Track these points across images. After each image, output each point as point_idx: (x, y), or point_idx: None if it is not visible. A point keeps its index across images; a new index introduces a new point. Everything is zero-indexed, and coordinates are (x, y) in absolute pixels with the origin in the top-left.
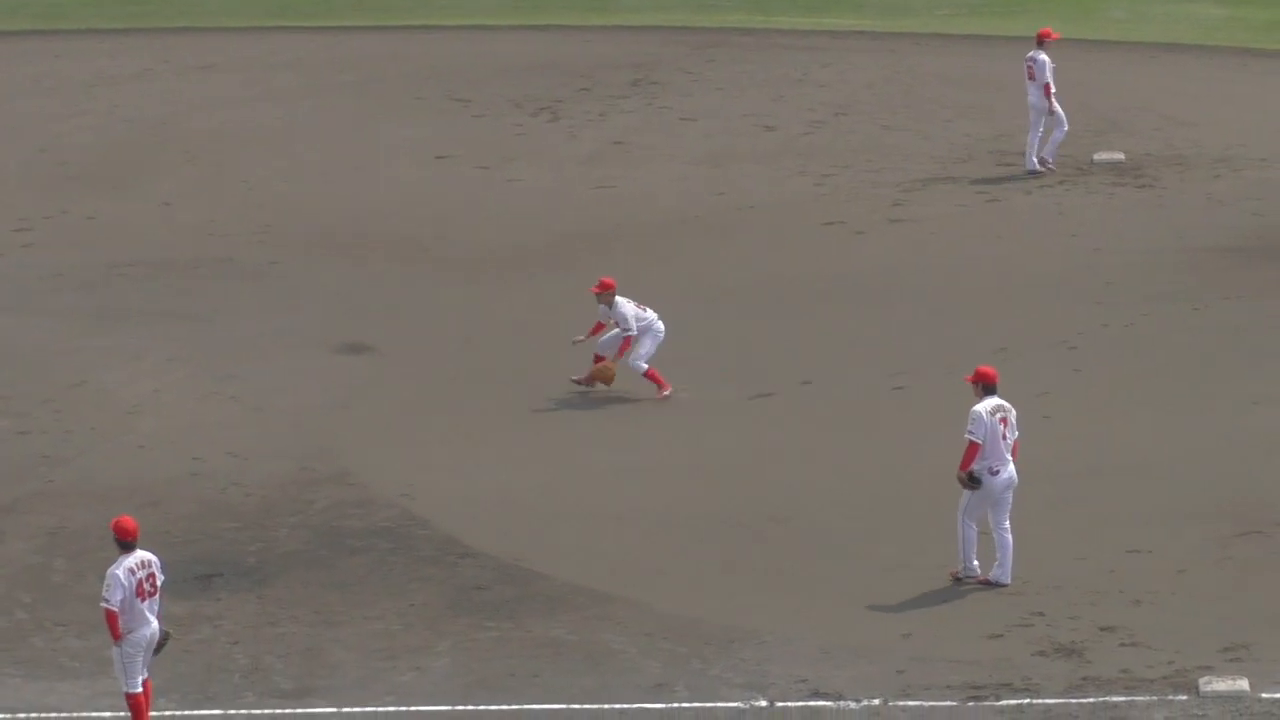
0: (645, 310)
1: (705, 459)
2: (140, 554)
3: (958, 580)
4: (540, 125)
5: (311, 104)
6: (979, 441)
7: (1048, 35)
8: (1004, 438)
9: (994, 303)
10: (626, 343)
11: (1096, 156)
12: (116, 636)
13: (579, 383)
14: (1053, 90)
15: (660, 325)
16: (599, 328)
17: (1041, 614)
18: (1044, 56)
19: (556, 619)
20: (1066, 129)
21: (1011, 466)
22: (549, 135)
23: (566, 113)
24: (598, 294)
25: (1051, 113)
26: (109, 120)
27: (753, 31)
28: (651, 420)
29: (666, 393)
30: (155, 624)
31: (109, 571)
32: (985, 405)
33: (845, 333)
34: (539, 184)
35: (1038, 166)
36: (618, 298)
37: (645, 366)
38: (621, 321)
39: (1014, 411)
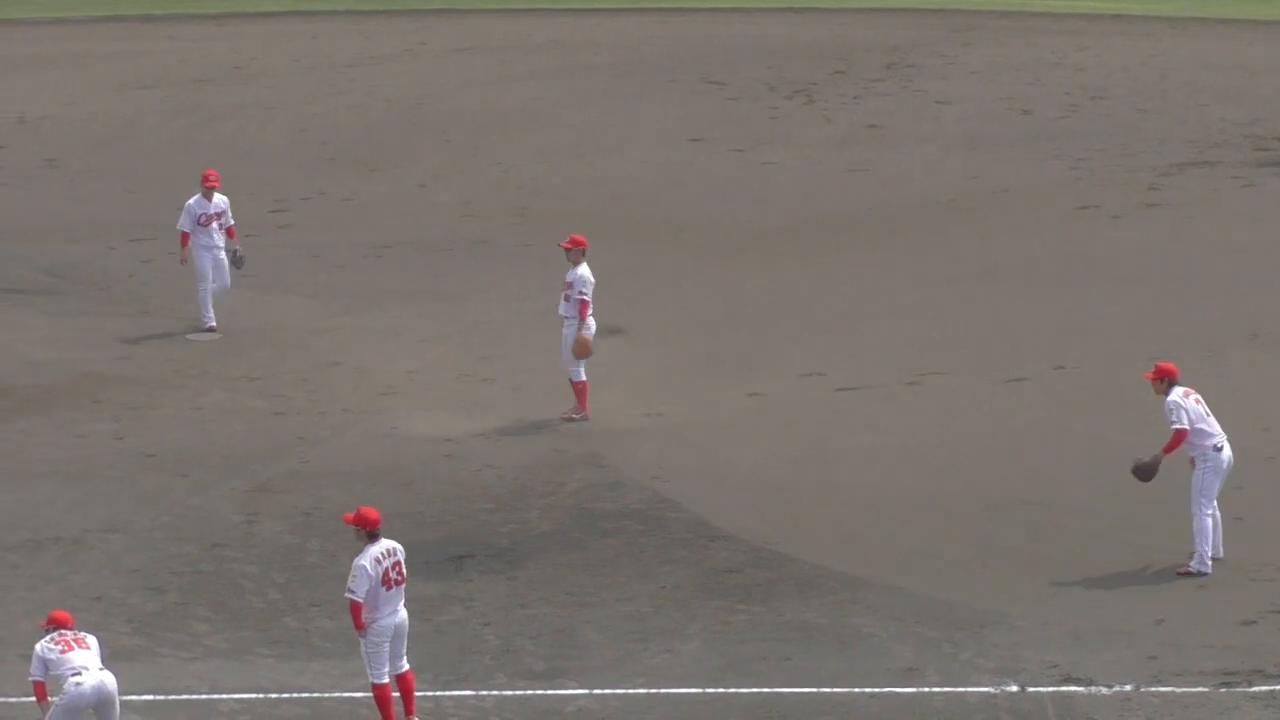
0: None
1: (957, 442)
2: (386, 543)
3: (1188, 575)
4: (795, 108)
5: (567, 86)
6: (1186, 427)
7: None
8: (1208, 414)
9: (1249, 287)
10: (585, 307)
11: None
12: (360, 627)
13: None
14: None
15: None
16: (585, 307)
17: None
18: None
19: (807, 602)
20: None
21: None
22: (803, 118)
23: (821, 95)
24: (568, 249)
25: None
26: (367, 101)
27: (1009, 14)
28: (903, 403)
29: (578, 417)
30: (402, 613)
31: (355, 563)
32: (1177, 392)
33: (1099, 317)
34: (793, 167)
35: None
36: (585, 263)
37: (583, 378)
38: (579, 284)
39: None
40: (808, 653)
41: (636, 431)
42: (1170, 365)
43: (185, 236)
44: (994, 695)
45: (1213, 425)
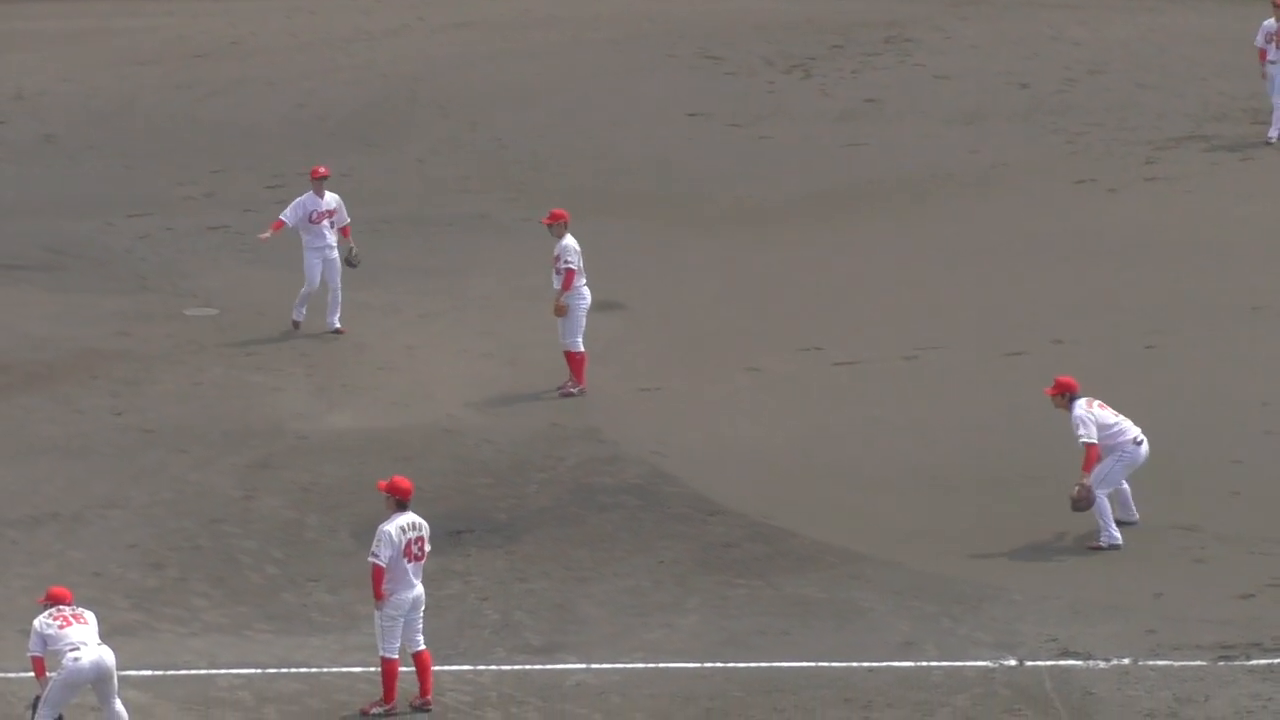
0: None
1: (956, 416)
2: (412, 516)
3: (1097, 550)
4: (793, 82)
5: (565, 61)
6: (1094, 441)
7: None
8: (1118, 416)
9: (1248, 261)
10: (569, 276)
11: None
12: (379, 596)
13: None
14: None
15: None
16: (570, 276)
17: None
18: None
19: (806, 577)
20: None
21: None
22: (801, 93)
23: (819, 70)
24: (549, 225)
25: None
26: (365, 76)
27: None
28: (902, 377)
29: (575, 390)
30: (419, 588)
31: (380, 528)
32: (1080, 405)
33: (1097, 291)
34: (791, 142)
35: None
36: (569, 234)
37: (581, 348)
38: (564, 253)
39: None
40: (806, 627)
41: (635, 406)
42: (1069, 379)
43: (279, 224)
44: (992, 669)
45: (1126, 423)
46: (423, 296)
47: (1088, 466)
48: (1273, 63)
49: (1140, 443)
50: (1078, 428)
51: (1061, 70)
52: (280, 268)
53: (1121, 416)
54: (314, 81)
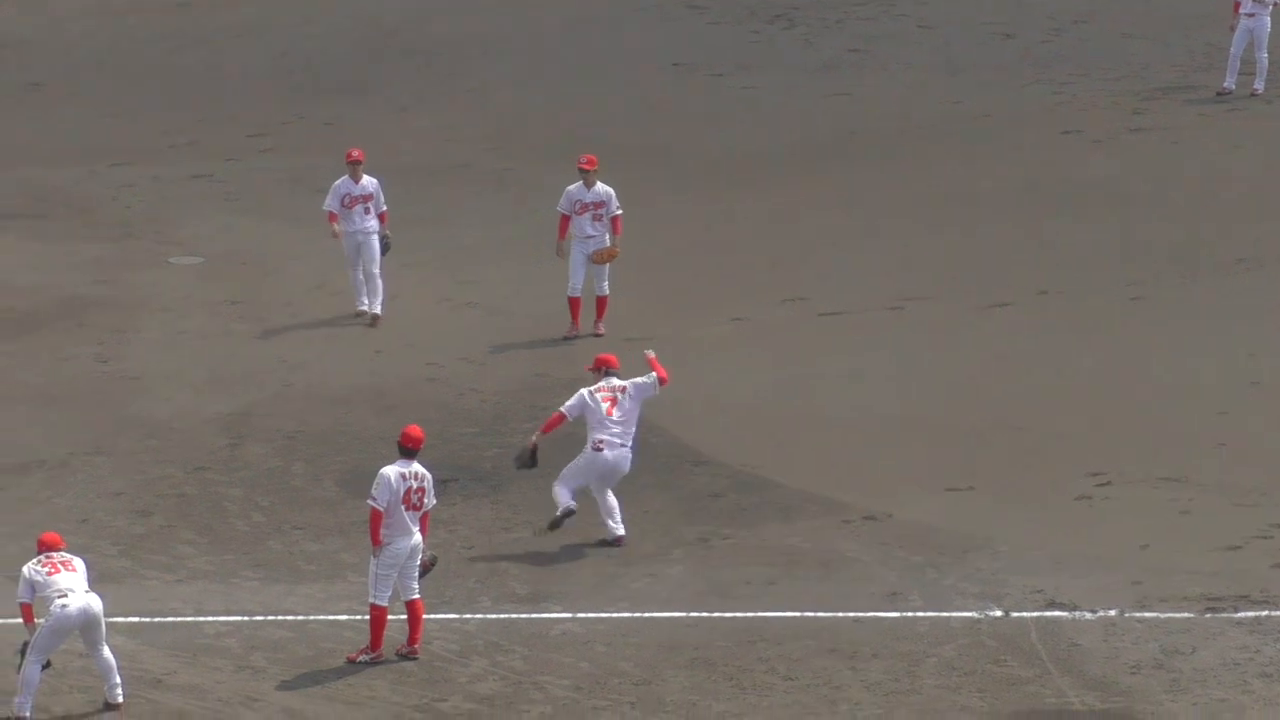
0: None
1: (941, 367)
2: (416, 465)
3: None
4: (776, 32)
5: (548, 10)
6: (563, 412)
7: None
8: (611, 415)
9: (1234, 212)
10: (617, 222)
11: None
12: (376, 542)
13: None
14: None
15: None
16: (565, 223)
17: None
18: None
19: (792, 527)
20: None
21: (625, 449)
22: (785, 42)
23: (803, 19)
24: (591, 171)
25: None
26: (349, 25)
27: None
28: (886, 327)
29: (601, 331)
30: (417, 537)
31: (381, 471)
32: (587, 392)
33: (1082, 242)
34: (774, 92)
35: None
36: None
37: (607, 290)
38: (610, 200)
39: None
40: (791, 577)
41: (620, 356)
42: (608, 356)
43: (332, 216)
44: (978, 620)
45: (607, 426)
46: (405, 246)
47: (547, 429)
48: (1249, 15)
49: (599, 449)
50: (572, 398)
51: (1046, 20)
52: (267, 217)
53: (612, 420)
54: (297, 31)
